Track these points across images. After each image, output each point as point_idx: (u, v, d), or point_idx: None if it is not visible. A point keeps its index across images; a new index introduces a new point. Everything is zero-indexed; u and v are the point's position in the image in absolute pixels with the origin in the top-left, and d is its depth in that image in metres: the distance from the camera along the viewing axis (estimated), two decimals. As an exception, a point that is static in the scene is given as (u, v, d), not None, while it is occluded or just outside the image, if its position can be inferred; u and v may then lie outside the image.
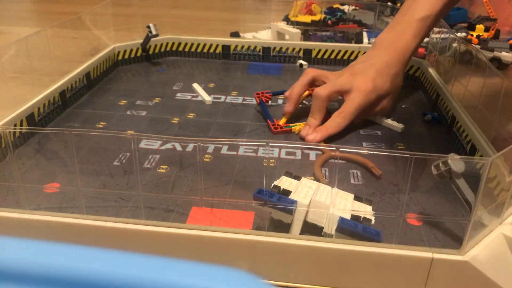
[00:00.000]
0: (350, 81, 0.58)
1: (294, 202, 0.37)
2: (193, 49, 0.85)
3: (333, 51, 0.82)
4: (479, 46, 0.94)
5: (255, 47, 0.84)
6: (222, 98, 0.68)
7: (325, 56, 0.83)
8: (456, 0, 0.63)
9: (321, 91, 0.57)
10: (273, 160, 0.51)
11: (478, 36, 1.02)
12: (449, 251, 0.35)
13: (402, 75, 0.61)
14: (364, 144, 0.56)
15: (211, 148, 0.53)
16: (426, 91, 0.70)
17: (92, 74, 0.70)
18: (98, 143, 0.53)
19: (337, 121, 0.57)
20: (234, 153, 0.52)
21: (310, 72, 0.62)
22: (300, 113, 0.62)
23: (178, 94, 0.69)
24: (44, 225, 0.38)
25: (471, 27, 1.07)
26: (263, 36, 0.94)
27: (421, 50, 0.89)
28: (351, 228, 0.36)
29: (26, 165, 0.49)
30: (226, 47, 0.84)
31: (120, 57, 0.80)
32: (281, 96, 0.67)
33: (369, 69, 0.59)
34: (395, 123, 0.59)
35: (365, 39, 0.90)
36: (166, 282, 0.13)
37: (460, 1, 1.31)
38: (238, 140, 0.54)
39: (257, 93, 0.65)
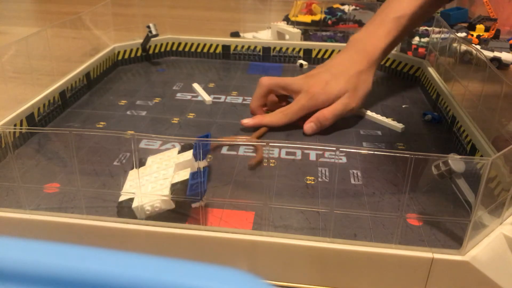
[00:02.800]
0: (301, 82, 0.58)
1: None
2: (193, 49, 0.85)
3: (333, 51, 0.82)
4: (479, 46, 0.94)
5: (255, 47, 0.84)
6: (222, 98, 0.68)
7: (325, 56, 0.83)
8: (439, 5, 0.63)
9: (264, 79, 0.59)
10: (273, 160, 0.51)
11: (478, 36, 1.02)
12: (449, 251, 0.35)
13: (368, 73, 0.60)
14: (364, 144, 0.56)
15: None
16: (426, 91, 0.70)
17: (92, 74, 0.70)
18: (98, 143, 0.53)
19: (277, 116, 0.57)
20: (234, 153, 0.52)
21: (264, 82, 0.59)
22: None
23: (178, 94, 0.69)
24: (44, 225, 0.38)
25: (471, 27, 1.07)
26: (263, 36, 0.94)
27: (421, 50, 0.89)
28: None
29: (26, 165, 0.49)
30: (226, 47, 0.84)
31: (120, 57, 0.80)
32: None
33: (324, 72, 0.59)
34: (395, 123, 0.59)
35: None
36: (166, 282, 0.13)
37: (460, 1, 1.32)
38: (238, 140, 0.54)
39: None
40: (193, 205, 0.40)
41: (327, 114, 0.57)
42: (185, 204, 0.43)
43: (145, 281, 0.13)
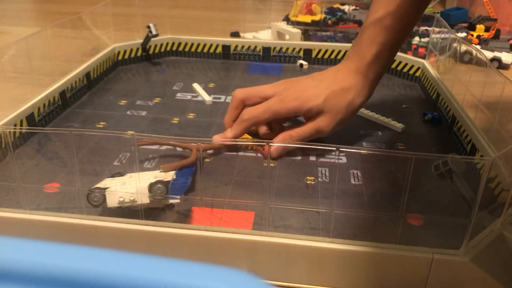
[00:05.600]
0: (277, 87, 0.53)
1: None
2: (193, 49, 0.85)
3: (333, 51, 0.82)
4: (479, 46, 0.94)
5: (255, 47, 0.84)
6: (222, 98, 0.68)
7: (325, 56, 0.83)
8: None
9: (237, 91, 0.54)
10: (273, 160, 0.51)
11: (478, 36, 1.02)
12: (449, 251, 0.35)
13: (355, 90, 0.52)
14: (364, 144, 0.56)
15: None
16: (426, 91, 0.70)
17: (92, 74, 0.70)
18: (98, 143, 0.53)
19: (237, 126, 0.53)
20: (234, 153, 0.52)
21: (238, 94, 0.54)
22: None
23: (178, 94, 0.69)
24: (44, 225, 0.38)
25: (472, 27, 1.07)
26: (263, 36, 0.94)
27: (421, 50, 0.89)
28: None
29: (26, 165, 0.49)
30: (226, 47, 0.84)
31: (120, 57, 0.80)
32: None
33: (307, 79, 0.54)
34: (395, 123, 0.59)
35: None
36: (166, 282, 0.13)
37: (460, 1, 1.32)
38: (238, 140, 0.54)
39: None
40: (171, 201, 0.40)
41: (294, 135, 0.51)
42: (185, 204, 0.43)
43: (145, 281, 0.13)
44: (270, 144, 0.37)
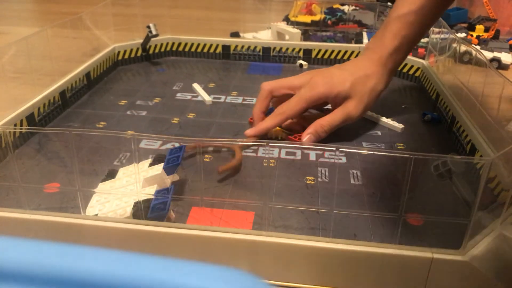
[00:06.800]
0: (305, 76, 0.56)
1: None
2: (193, 49, 0.85)
3: (333, 51, 0.82)
4: (479, 47, 0.94)
5: (255, 47, 0.84)
6: (222, 98, 0.68)
7: (325, 56, 0.83)
8: None
9: (265, 83, 0.57)
10: (273, 160, 0.51)
11: (478, 37, 1.02)
12: (449, 251, 0.35)
13: (377, 77, 0.55)
14: (364, 144, 0.56)
15: (211, 148, 0.53)
16: (426, 91, 0.70)
17: (92, 74, 0.70)
18: (98, 143, 0.53)
19: (275, 118, 0.54)
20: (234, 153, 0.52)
21: (266, 86, 0.57)
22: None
23: (178, 94, 0.69)
24: (44, 225, 0.38)
25: (471, 28, 1.07)
26: (263, 36, 0.94)
27: (421, 50, 0.89)
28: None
29: (26, 165, 0.49)
30: (226, 47, 0.84)
31: (120, 57, 0.80)
32: None
33: (333, 68, 0.57)
34: (395, 123, 0.59)
35: (365, 39, 0.90)
36: (166, 282, 0.13)
37: (460, 1, 1.32)
38: (238, 140, 0.54)
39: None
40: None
41: (324, 124, 0.54)
42: (185, 204, 0.43)
43: (145, 281, 0.13)
44: (270, 144, 0.37)
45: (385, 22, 0.57)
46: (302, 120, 0.57)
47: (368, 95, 0.55)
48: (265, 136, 0.55)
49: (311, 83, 0.54)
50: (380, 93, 0.56)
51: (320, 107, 0.60)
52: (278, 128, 0.56)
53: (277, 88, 0.56)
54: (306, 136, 0.53)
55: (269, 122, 0.54)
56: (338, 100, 0.55)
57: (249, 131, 0.55)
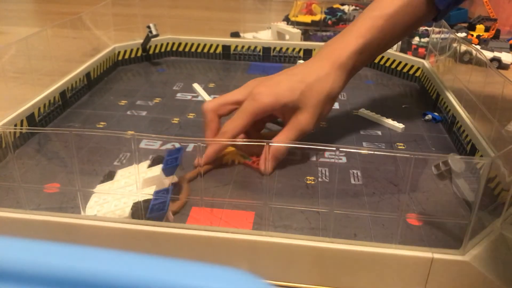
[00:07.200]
0: (247, 88, 0.50)
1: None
2: (193, 49, 0.85)
3: (333, 51, 0.82)
4: (479, 46, 0.94)
5: (255, 47, 0.84)
6: (222, 98, 0.68)
7: (325, 56, 0.83)
8: (429, 11, 0.52)
9: (206, 105, 0.49)
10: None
11: (478, 36, 1.02)
12: (449, 251, 0.35)
13: (330, 78, 0.49)
14: (364, 144, 0.56)
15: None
16: (426, 91, 0.70)
17: (92, 74, 0.70)
18: (98, 143, 0.53)
19: (215, 144, 0.48)
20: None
21: (207, 106, 0.49)
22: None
23: (178, 94, 0.69)
24: (44, 225, 0.38)
25: (471, 27, 1.07)
26: (263, 36, 0.94)
27: (421, 50, 0.89)
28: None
29: (26, 165, 0.49)
30: (226, 47, 0.84)
31: (120, 57, 0.80)
32: None
33: (280, 74, 0.51)
34: (395, 123, 0.59)
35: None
36: (166, 282, 0.13)
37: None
38: (238, 140, 0.54)
39: None
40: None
41: (280, 147, 0.48)
42: (185, 203, 0.43)
43: (145, 281, 0.13)
44: (270, 144, 0.37)
45: (352, 22, 0.52)
46: (262, 138, 0.52)
47: (322, 104, 0.49)
48: (221, 162, 0.50)
49: (253, 94, 0.48)
50: (337, 96, 0.51)
51: (273, 119, 0.54)
52: (232, 149, 0.51)
53: (221, 106, 0.49)
54: (262, 164, 0.48)
55: (212, 148, 0.47)
56: (286, 112, 0.49)
57: (196, 162, 0.49)
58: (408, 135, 0.58)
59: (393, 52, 0.79)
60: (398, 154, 0.34)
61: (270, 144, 0.37)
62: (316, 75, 0.49)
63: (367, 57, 0.52)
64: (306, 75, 0.49)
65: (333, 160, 0.51)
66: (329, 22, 1.00)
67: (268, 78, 0.50)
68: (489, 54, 0.87)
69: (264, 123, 0.54)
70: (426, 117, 0.62)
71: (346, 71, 0.50)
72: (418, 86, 0.75)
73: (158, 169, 0.42)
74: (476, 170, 0.47)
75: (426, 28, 0.92)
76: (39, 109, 0.57)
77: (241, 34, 0.95)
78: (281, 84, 0.48)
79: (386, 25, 0.50)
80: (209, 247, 0.37)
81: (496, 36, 1.04)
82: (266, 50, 0.84)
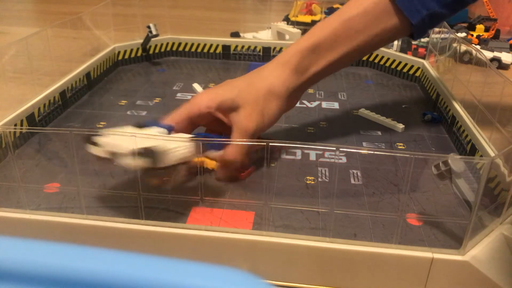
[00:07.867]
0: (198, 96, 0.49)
1: None
2: (193, 49, 0.85)
3: (333, 51, 0.82)
4: (479, 46, 0.94)
5: (255, 47, 0.84)
6: (222, 98, 0.68)
7: (325, 56, 0.83)
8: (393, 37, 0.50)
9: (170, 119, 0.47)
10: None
11: (478, 36, 1.02)
12: (449, 251, 0.35)
13: (275, 77, 0.48)
14: (364, 144, 0.56)
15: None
16: (426, 91, 0.70)
17: (92, 74, 0.70)
18: (98, 143, 0.53)
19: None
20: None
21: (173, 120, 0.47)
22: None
23: (178, 94, 0.69)
24: (44, 225, 0.38)
25: (471, 27, 1.07)
26: (263, 36, 0.94)
27: (421, 50, 0.89)
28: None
29: (27, 165, 0.49)
30: (226, 47, 0.84)
31: (120, 57, 0.80)
32: None
33: (224, 81, 0.50)
34: (395, 123, 0.59)
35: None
36: (166, 282, 0.13)
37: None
38: (238, 140, 0.53)
39: None
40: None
41: (230, 154, 0.45)
42: (184, 204, 0.43)
43: (145, 281, 0.13)
44: (270, 144, 0.37)
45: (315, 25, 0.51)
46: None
47: (262, 100, 0.46)
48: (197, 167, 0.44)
49: (194, 97, 0.47)
50: (282, 96, 0.48)
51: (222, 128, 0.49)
52: (206, 159, 0.47)
53: (180, 121, 0.47)
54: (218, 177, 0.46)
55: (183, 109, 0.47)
56: (226, 112, 0.47)
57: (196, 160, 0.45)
58: (408, 135, 0.58)
59: (393, 52, 0.79)
60: (398, 154, 0.34)
61: (270, 144, 0.37)
62: (258, 74, 0.49)
63: (323, 59, 0.49)
64: (251, 74, 0.49)
65: (333, 160, 0.51)
66: (329, 22, 1.00)
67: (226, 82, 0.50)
68: (489, 54, 0.87)
69: (226, 126, 0.48)
70: (426, 117, 0.62)
71: (290, 68, 0.49)
72: (418, 86, 0.75)
73: (151, 130, 0.41)
74: (476, 170, 0.47)
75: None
76: (39, 109, 0.57)
77: (241, 34, 0.95)
78: (223, 86, 0.49)
79: (340, 28, 0.48)
80: (209, 247, 0.37)
81: (496, 36, 1.04)
82: (266, 50, 0.84)
